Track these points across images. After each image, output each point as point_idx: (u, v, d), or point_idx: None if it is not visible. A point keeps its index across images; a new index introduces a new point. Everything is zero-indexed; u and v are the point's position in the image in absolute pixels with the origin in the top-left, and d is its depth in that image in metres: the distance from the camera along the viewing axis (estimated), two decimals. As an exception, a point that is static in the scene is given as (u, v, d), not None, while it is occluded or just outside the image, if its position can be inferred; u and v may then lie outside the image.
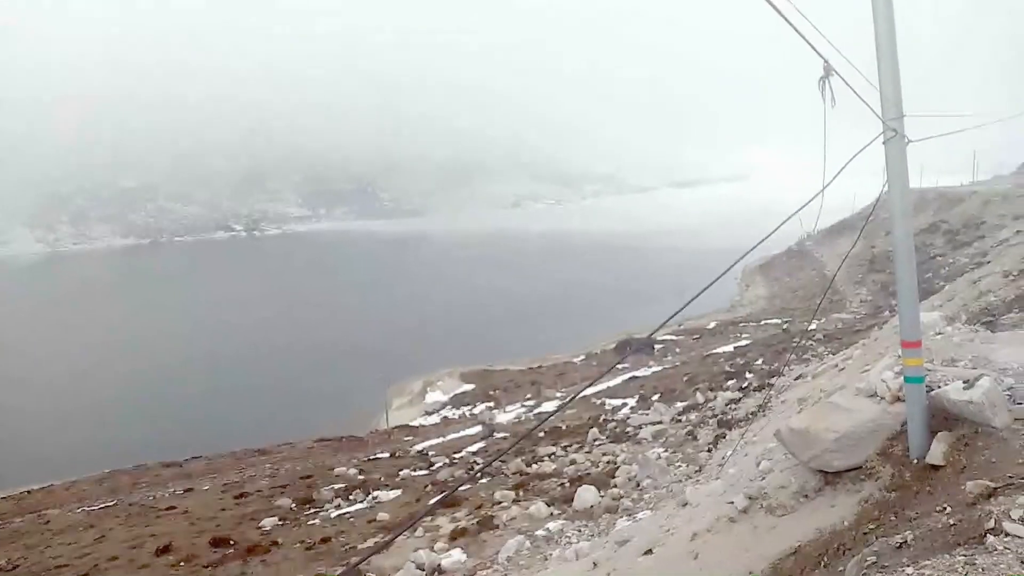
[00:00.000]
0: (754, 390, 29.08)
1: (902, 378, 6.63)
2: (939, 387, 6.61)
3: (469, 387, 60.13)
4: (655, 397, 38.44)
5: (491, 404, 51.71)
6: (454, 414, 52.53)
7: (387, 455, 37.33)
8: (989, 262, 31.31)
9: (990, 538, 4.19)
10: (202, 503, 30.56)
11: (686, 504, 11.26)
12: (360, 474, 31.91)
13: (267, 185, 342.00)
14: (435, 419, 52.46)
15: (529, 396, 52.38)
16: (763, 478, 8.85)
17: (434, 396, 60.01)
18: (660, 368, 52.67)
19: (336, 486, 29.40)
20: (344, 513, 25.16)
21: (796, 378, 24.92)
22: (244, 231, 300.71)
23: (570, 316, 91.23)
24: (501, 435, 36.65)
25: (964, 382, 6.43)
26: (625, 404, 38.94)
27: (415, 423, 52.16)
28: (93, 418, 57.35)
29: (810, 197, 6.09)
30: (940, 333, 10.60)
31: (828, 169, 6.55)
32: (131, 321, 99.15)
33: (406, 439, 44.29)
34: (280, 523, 24.54)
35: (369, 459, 36.61)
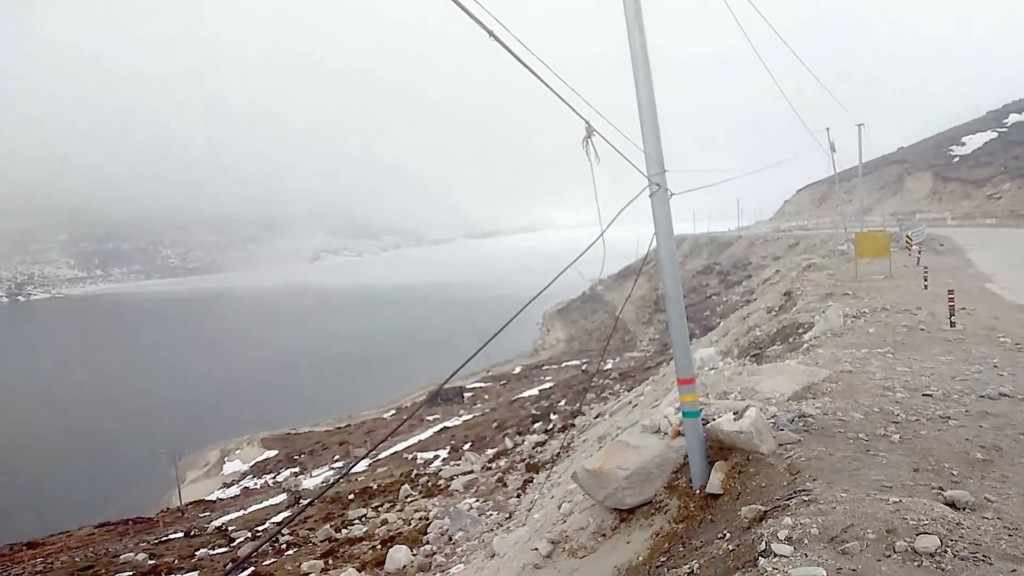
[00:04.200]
0: (559, 431, 30.00)
1: (682, 413, 7.04)
2: (714, 419, 7.09)
3: (272, 453, 56.91)
4: (466, 446, 38.55)
5: (296, 470, 49.24)
6: (256, 483, 49.32)
7: (181, 535, 34.16)
8: (756, 299, 34.71)
9: (761, 560, 4.47)
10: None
11: (494, 555, 11.22)
12: (151, 559, 28.89)
13: (31, 247, 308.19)
14: (235, 490, 48.92)
15: (337, 457, 50.49)
16: (564, 521, 9.01)
17: (233, 466, 56.10)
18: (471, 416, 53.03)
19: (122, 575, 26.45)
20: (131, 607, 22.61)
21: (596, 417, 26.03)
22: (6, 296, 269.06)
23: (378, 370, 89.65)
24: (308, 501, 34.87)
25: (734, 414, 6.95)
26: (437, 456, 38.67)
27: (212, 497, 48.30)
28: None
29: (587, 246, 6.37)
30: (714, 368, 11.49)
31: (605, 219, 6.91)
32: None
33: (203, 515, 40.87)
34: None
35: (160, 541, 33.30)
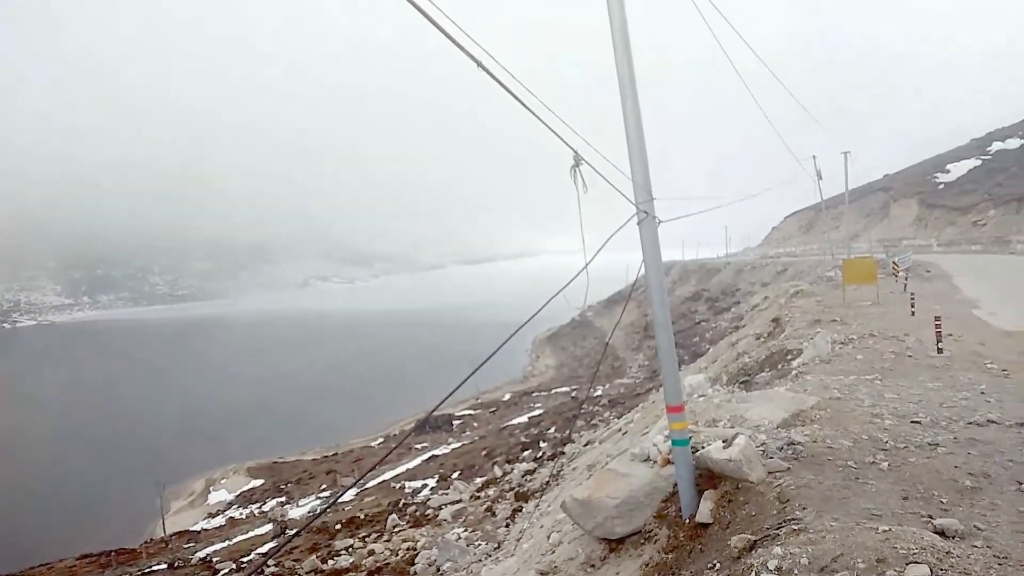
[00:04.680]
0: (548, 459, 29.81)
1: (671, 441, 7.01)
2: (703, 447, 7.06)
3: (258, 482, 56.15)
4: (455, 475, 38.24)
5: (283, 499, 48.63)
6: (241, 513, 48.60)
7: (165, 566, 33.61)
8: (744, 325, 34.78)
9: (751, 591, 4.45)
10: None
11: (483, 586, 11.09)
12: (132, 593, 28.46)
13: (20, 273, 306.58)
14: (220, 521, 48.15)
15: (324, 487, 49.92)
16: (553, 551, 8.93)
17: (218, 495, 55.30)
18: (460, 444, 52.65)
19: (102, 610, 25.98)
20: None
21: (586, 444, 25.91)
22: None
23: (366, 397, 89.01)
24: (294, 531, 34.42)
25: (723, 441, 6.92)
26: (425, 485, 38.34)
27: (197, 527, 47.54)
28: None
29: (574, 275, 6.39)
30: (703, 395, 11.46)
31: (594, 247, 6.94)
32: None
33: (187, 546, 40.26)
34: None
35: (143, 573, 32.81)
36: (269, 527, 36.91)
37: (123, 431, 77.96)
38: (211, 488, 57.61)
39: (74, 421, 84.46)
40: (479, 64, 4.22)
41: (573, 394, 65.00)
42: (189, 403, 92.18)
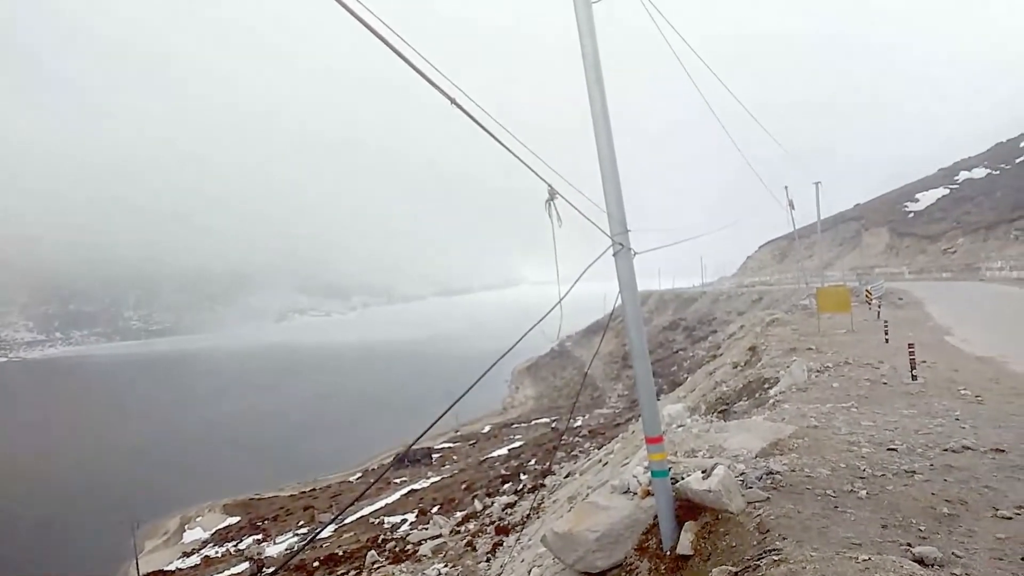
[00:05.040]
0: (528, 492, 29.59)
1: (650, 472, 6.96)
2: (683, 478, 7.03)
3: (234, 520, 55.08)
4: (435, 509, 37.83)
5: (259, 536, 47.71)
6: (217, 552, 47.59)
7: (136, 610, 32.84)
8: (722, 354, 34.92)
9: (733, 624, 4.41)
10: None
11: (463, 624, 10.91)
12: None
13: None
14: (195, 560, 47.11)
15: (302, 523, 49.09)
16: (535, 587, 8.81)
17: (193, 533, 54.12)
18: (439, 478, 52.15)
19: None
20: None
21: (566, 476, 25.75)
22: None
23: (343, 431, 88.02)
24: (271, 570, 33.80)
25: (703, 472, 6.90)
26: (405, 520, 37.87)
27: (171, 567, 46.47)
28: None
29: (551, 307, 6.40)
30: (682, 425, 11.46)
31: (572, 276, 6.95)
32: None
33: (160, 588, 39.43)
34: None
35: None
36: (245, 566, 36.25)
37: (95, 469, 76.40)
38: (186, 526, 56.43)
39: (44, 460, 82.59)
40: (452, 101, 4.25)
41: (553, 425, 64.80)
42: (163, 440, 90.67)
